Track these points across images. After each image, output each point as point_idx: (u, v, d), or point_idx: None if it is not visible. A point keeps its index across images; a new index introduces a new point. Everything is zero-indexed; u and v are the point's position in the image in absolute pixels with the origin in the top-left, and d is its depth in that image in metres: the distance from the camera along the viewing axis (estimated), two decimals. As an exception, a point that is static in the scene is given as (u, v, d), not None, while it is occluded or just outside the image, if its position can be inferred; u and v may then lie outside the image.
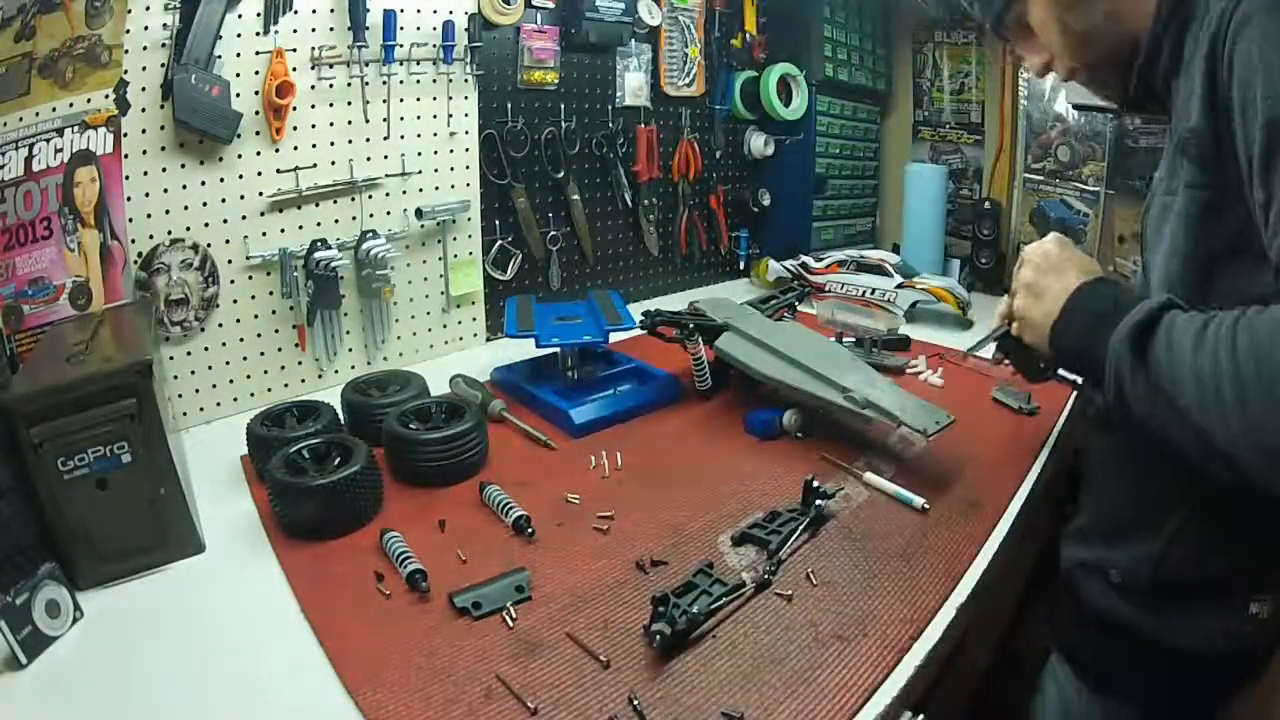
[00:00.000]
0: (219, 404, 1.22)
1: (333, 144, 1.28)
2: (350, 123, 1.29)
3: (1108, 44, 0.73)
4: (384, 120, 1.32)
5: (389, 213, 1.36)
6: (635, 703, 0.62)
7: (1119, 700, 0.84)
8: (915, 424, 0.96)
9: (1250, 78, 0.56)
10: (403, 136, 1.35)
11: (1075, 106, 1.78)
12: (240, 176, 1.19)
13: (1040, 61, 0.80)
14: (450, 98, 1.40)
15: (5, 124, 0.99)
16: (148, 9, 1.06)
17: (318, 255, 1.25)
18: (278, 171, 1.22)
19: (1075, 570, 0.86)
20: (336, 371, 1.34)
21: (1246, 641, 0.77)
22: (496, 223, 1.54)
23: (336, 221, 1.30)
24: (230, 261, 1.20)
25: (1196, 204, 0.66)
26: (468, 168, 1.45)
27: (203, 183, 1.15)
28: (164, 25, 1.07)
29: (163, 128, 1.10)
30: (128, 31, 1.05)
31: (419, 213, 1.38)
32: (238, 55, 1.15)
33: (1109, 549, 0.82)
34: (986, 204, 1.94)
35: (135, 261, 1.11)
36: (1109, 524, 0.84)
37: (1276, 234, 0.55)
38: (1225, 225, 0.64)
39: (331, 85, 1.26)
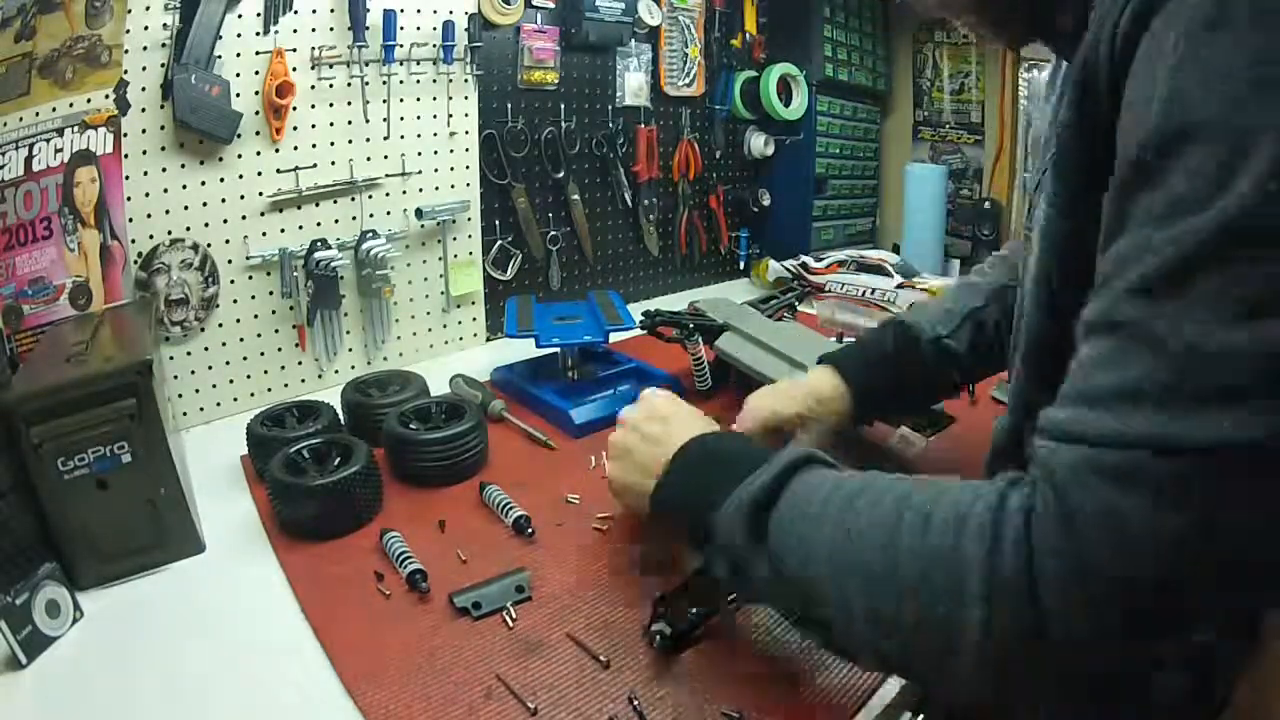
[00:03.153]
0: (219, 404, 1.22)
1: (333, 144, 1.28)
2: (350, 123, 1.29)
3: None
4: (384, 120, 1.32)
5: (389, 213, 1.36)
6: (635, 703, 0.62)
7: None
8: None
9: (1151, 70, 0.41)
10: (403, 136, 1.35)
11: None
12: (240, 176, 1.19)
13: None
14: (450, 98, 1.40)
15: (5, 124, 0.99)
16: (148, 9, 1.06)
17: (318, 255, 1.25)
18: (278, 171, 1.22)
19: None
20: (336, 371, 1.34)
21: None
22: (496, 223, 1.54)
23: (336, 221, 1.30)
24: (230, 261, 1.20)
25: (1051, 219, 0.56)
26: (468, 168, 1.45)
27: (203, 183, 1.15)
28: (164, 25, 1.07)
29: (163, 128, 1.10)
30: (128, 31, 1.05)
31: (419, 213, 1.38)
32: (238, 55, 1.15)
33: None
34: (986, 204, 1.94)
35: (135, 261, 1.11)
36: None
37: (1110, 262, 0.42)
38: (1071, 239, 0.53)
39: (331, 85, 1.26)
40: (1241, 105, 0.36)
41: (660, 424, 0.72)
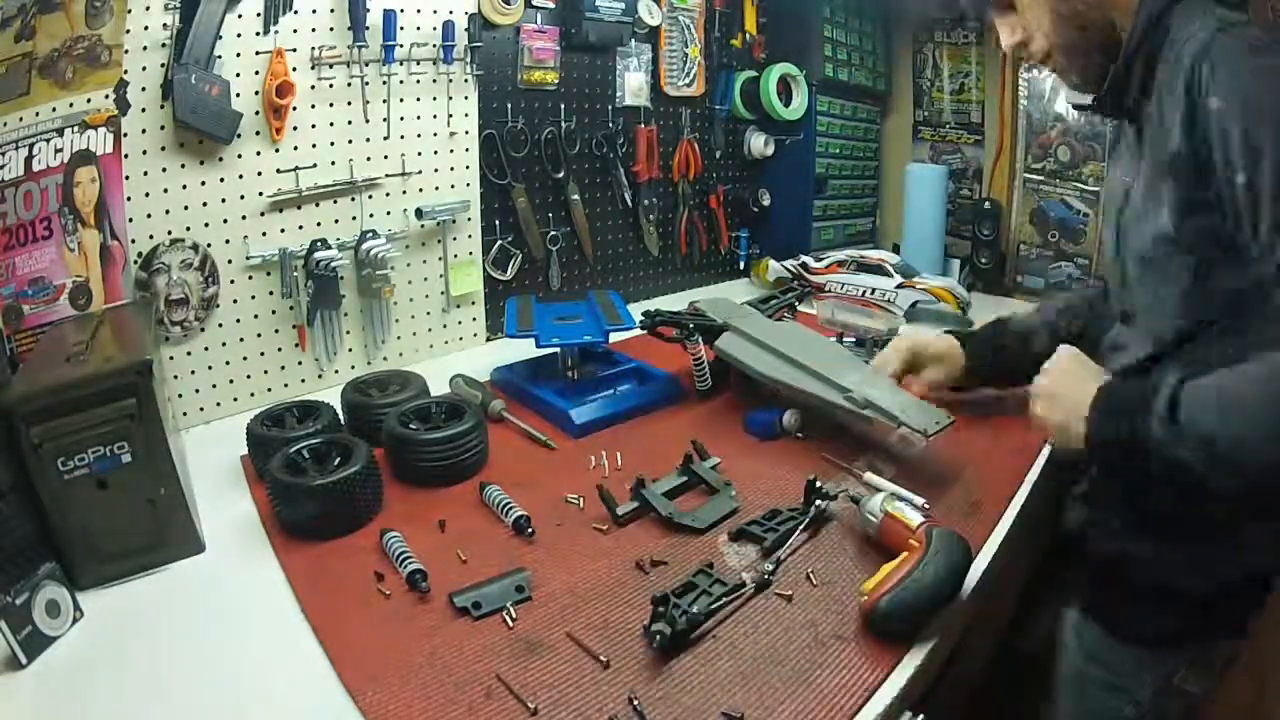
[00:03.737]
0: (219, 404, 1.22)
1: (333, 144, 1.28)
2: (350, 123, 1.29)
3: (1089, 30, 0.80)
4: (384, 120, 1.32)
5: (389, 213, 1.36)
6: (635, 703, 0.62)
7: (1144, 646, 0.87)
8: (915, 424, 0.96)
9: (1228, 130, 0.68)
10: (403, 136, 1.35)
11: (1075, 107, 1.78)
12: (240, 176, 1.19)
13: (1015, 40, 0.85)
14: (450, 98, 1.40)
15: (5, 124, 0.99)
16: (148, 9, 1.06)
17: (318, 255, 1.25)
18: (278, 171, 1.22)
19: (1086, 528, 0.91)
20: (336, 371, 1.34)
21: (1252, 571, 0.83)
22: (496, 223, 1.54)
23: (336, 221, 1.30)
24: (230, 261, 1.20)
25: (1173, 216, 0.76)
26: (468, 168, 1.45)
27: (203, 183, 1.15)
28: (164, 25, 1.07)
29: (163, 128, 1.10)
30: (128, 31, 1.05)
31: (419, 213, 1.38)
32: (238, 55, 1.15)
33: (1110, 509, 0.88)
34: (986, 204, 1.94)
35: (135, 261, 1.11)
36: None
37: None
38: (1193, 234, 0.75)
39: (331, 85, 1.26)
40: None
41: (1065, 373, 0.85)
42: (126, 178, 1.08)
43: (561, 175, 1.61)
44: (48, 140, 1.02)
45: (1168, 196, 0.76)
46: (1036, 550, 1.09)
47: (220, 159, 1.16)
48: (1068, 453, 0.83)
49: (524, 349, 1.31)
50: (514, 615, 0.73)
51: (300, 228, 1.26)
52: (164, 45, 1.08)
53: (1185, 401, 0.69)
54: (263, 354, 1.26)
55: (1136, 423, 0.72)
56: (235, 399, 1.24)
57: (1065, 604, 0.96)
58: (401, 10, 1.29)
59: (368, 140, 1.31)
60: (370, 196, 1.33)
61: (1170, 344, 0.81)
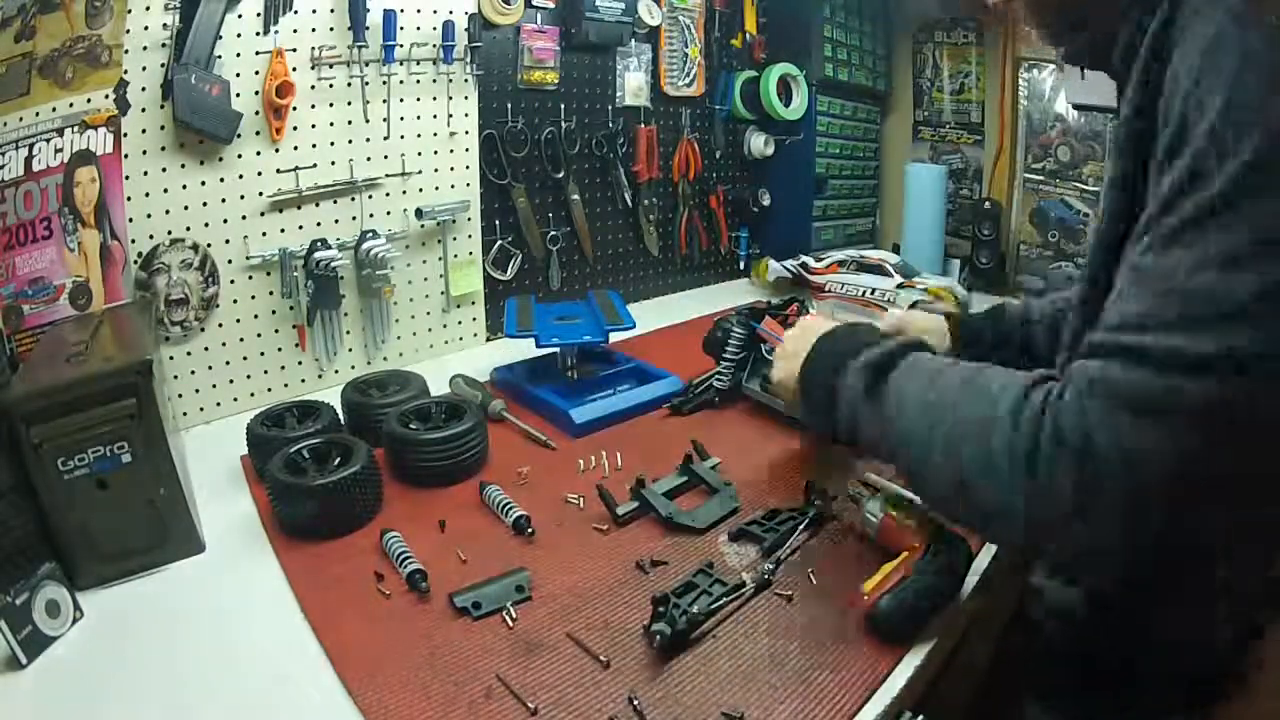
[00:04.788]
0: (219, 404, 1.22)
1: (333, 144, 1.28)
2: (350, 123, 1.29)
3: None
4: (384, 120, 1.32)
5: (389, 213, 1.36)
6: (635, 703, 0.62)
7: None
8: None
9: (1181, 88, 0.51)
10: (403, 136, 1.35)
11: (1075, 106, 1.78)
12: (240, 176, 1.19)
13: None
14: (450, 98, 1.40)
15: (5, 124, 0.99)
16: (148, 9, 1.06)
17: (318, 255, 1.25)
18: (278, 171, 1.22)
19: (1036, 603, 0.82)
20: (336, 371, 1.34)
21: (1215, 655, 0.71)
22: (496, 223, 1.54)
23: (336, 221, 1.30)
24: (230, 261, 1.20)
25: (1112, 199, 0.64)
26: (468, 168, 1.45)
27: (203, 183, 1.15)
28: (164, 25, 1.07)
29: (163, 128, 1.10)
30: (128, 31, 1.05)
31: (419, 213, 1.38)
32: (238, 55, 1.15)
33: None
34: (986, 204, 1.94)
35: (135, 261, 1.11)
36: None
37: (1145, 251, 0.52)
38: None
39: (331, 85, 1.26)
40: None
41: (804, 328, 0.83)
42: (126, 178, 1.08)
43: (561, 175, 1.61)
44: (48, 140, 1.02)
45: (1112, 175, 0.64)
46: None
47: (220, 159, 1.16)
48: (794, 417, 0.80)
49: (524, 349, 1.31)
50: (514, 615, 0.73)
51: (300, 228, 1.26)
52: (164, 45, 1.08)
53: (901, 369, 0.65)
54: (262, 354, 1.26)
55: (838, 367, 0.69)
56: (235, 399, 1.24)
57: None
58: (401, 10, 1.29)
59: (368, 140, 1.31)
60: (370, 196, 1.33)
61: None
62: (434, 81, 1.37)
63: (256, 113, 1.18)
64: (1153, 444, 0.47)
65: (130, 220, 1.10)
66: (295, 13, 1.19)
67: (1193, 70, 0.50)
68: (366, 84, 1.28)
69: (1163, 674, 0.73)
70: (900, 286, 1.69)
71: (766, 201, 2.01)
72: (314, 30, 1.22)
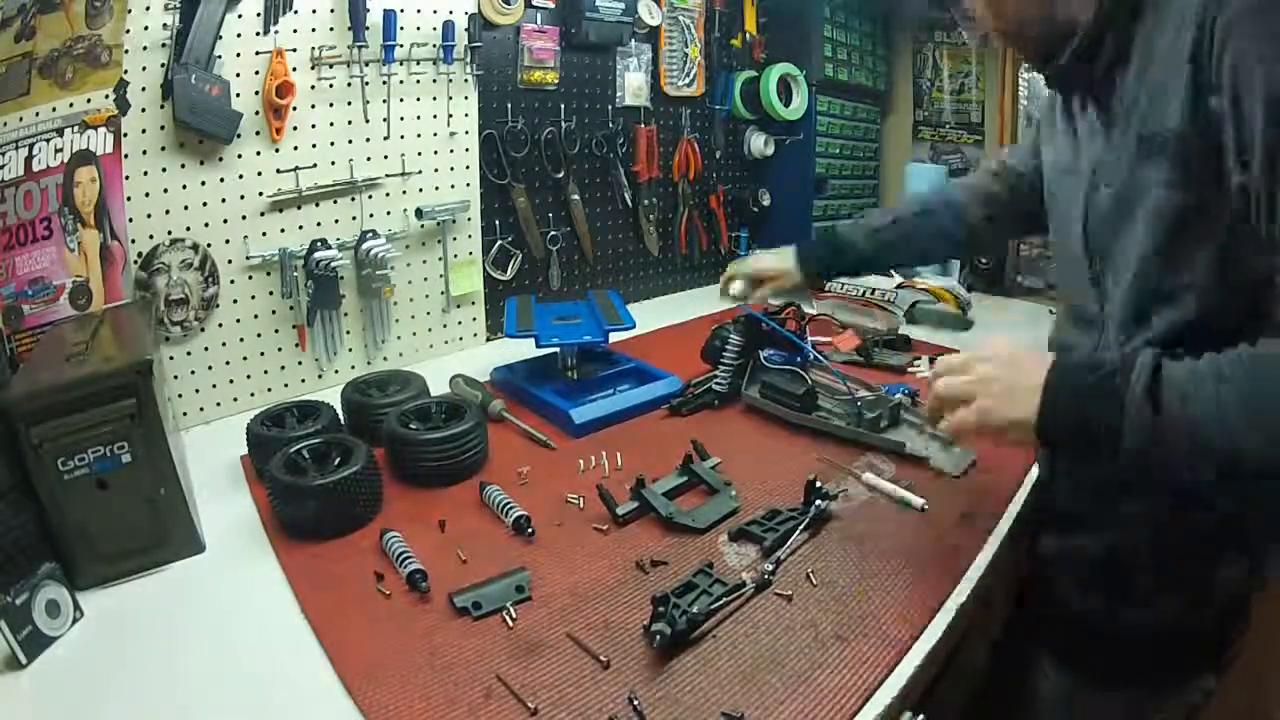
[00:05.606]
0: (219, 404, 1.22)
1: (333, 144, 1.28)
2: (350, 123, 1.29)
3: (1030, 11, 0.74)
4: (384, 120, 1.32)
5: (389, 213, 1.36)
6: (635, 703, 0.62)
7: (1109, 688, 0.85)
8: (946, 468, 1.00)
9: (1248, 80, 0.59)
10: (403, 136, 1.35)
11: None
12: (240, 176, 1.19)
13: (979, 35, 0.82)
14: (450, 98, 1.40)
15: (5, 124, 0.99)
16: (148, 9, 1.06)
17: (318, 255, 1.25)
18: (278, 171, 1.22)
19: (1046, 566, 0.90)
20: (336, 371, 1.34)
21: (1211, 616, 0.81)
22: (496, 223, 1.54)
23: (336, 221, 1.30)
24: (230, 261, 1.20)
25: (1174, 201, 0.69)
26: (468, 168, 1.45)
27: (203, 183, 1.15)
28: (164, 25, 1.07)
29: (163, 128, 1.10)
30: (128, 31, 1.05)
31: (419, 213, 1.38)
32: (238, 55, 1.15)
33: (1071, 536, 0.87)
34: (986, 204, 1.93)
35: (135, 261, 1.11)
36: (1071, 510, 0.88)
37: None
38: (1206, 219, 0.68)
39: (331, 85, 1.26)
40: None
41: (1007, 361, 0.72)
42: (126, 178, 1.08)
43: (561, 175, 1.61)
44: (48, 140, 1.02)
45: (1166, 178, 0.68)
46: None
47: (220, 159, 1.16)
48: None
49: (524, 349, 1.31)
50: (514, 615, 0.73)
51: (300, 228, 1.26)
52: (164, 45, 1.08)
53: (1169, 383, 0.61)
54: (262, 354, 1.26)
55: (1096, 406, 0.62)
56: (235, 399, 1.24)
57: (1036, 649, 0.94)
58: (401, 10, 1.29)
59: (368, 140, 1.31)
60: (370, 196, 1.33)
61: (1167, 343, 0.69)
62: (434, 81, 1.37)
63: (256, 113, 1.18)
64: None
65: (130, 220, 1.10)
66: (295, 13, 1.19)
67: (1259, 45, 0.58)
68: (366, 84, 1.28)
69: (1173, 629, 0.81)
70: (900, 286, 1.69)
71: (766, 201, 2.01)
72: (314, 30, 1.22)
